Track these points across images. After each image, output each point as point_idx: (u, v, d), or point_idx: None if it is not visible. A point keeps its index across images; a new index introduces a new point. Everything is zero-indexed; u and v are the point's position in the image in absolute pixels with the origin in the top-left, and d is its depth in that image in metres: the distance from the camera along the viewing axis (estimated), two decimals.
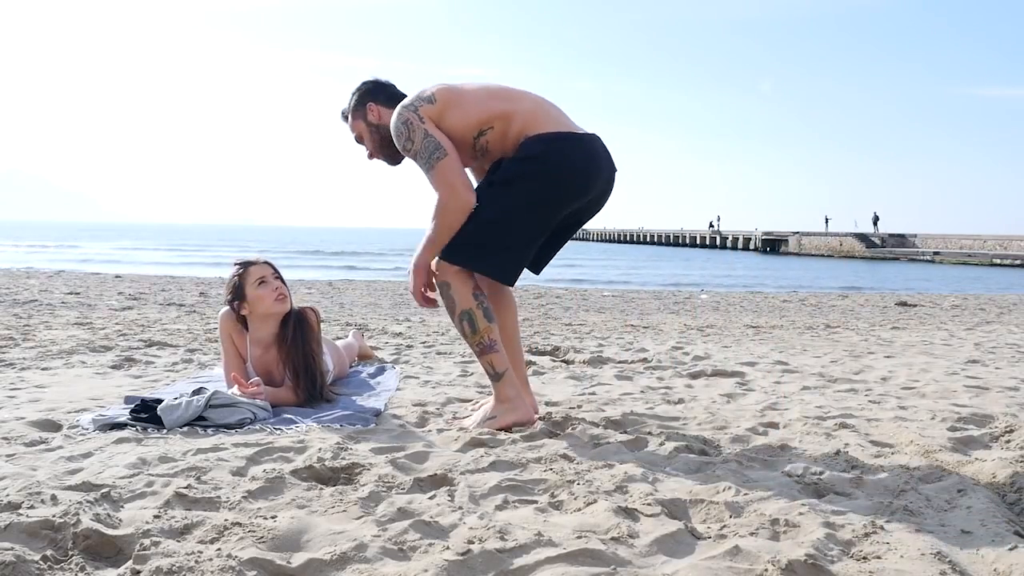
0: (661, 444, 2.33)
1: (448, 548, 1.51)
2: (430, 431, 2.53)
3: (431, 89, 2.52)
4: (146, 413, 2.53)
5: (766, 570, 1.42)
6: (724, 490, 1.86)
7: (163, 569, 1.39)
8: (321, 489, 1.88)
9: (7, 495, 1.72)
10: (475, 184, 2.60)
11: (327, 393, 3.02)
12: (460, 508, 1.75)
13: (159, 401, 2.59)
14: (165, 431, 2.45)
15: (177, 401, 2.56)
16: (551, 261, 2.77)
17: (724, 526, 1.68)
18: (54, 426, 2.52)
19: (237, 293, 3.03)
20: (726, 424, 2.66)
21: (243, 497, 1.80)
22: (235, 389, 2.82)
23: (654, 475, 2.00)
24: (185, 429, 2.48)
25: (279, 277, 3.09)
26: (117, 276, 13.22)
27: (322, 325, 3.31)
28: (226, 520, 1.62)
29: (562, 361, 4.35)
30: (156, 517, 1.63)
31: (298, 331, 3.01)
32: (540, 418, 2.64)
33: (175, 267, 19.94)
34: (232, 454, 2.17)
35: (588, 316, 7.82)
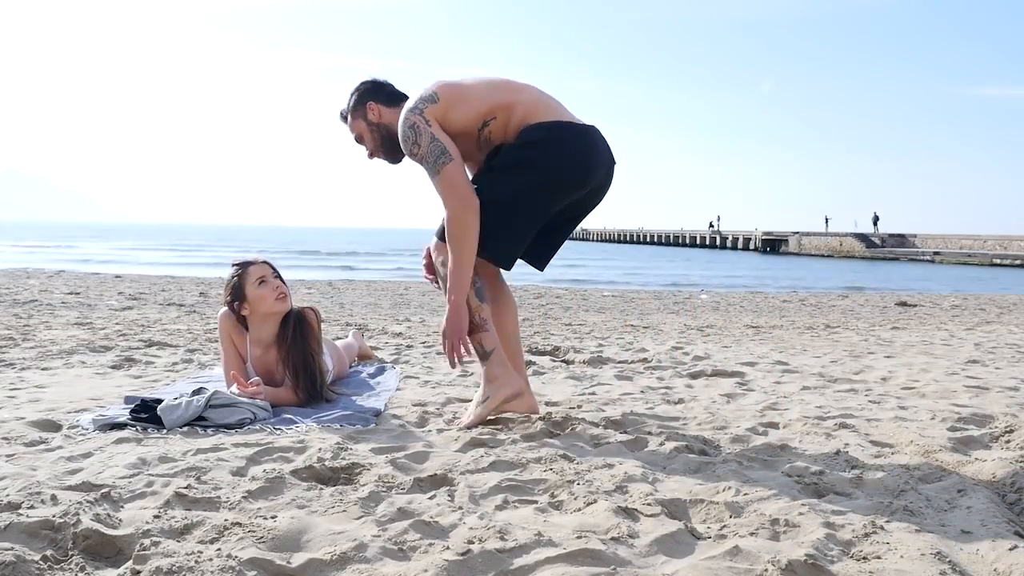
0: (661, 444, 2.33)
1: (448, 548, 1.51)
2: (430, 431, 2.53)
3: (433, 87, 2.52)
4: (146, 413, 2.53)
5: (766, 570, 1.42)
6: (724, 490, 1.86)
7: (163, 569, 1.39)
8: (321, 489, 1.88)
9: (7, 495, 1.72)
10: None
11: (327, 393, 3.01)
12: (460, 508, 1.76)
13: (159, 401, 2.59)
14: (165, 431, 2.46)
15: (177, 401, 2.56)
16: (552, 260, 2.78)
17: (724, 526, 1.68)
18: (54, 426, 2.52)
19: (237, 294, 3.03)
20: (726, 424, 2.66)
21: (243, 497, 1.81)
22: (235, 389, 2.82)
23: (654, 475, 2.00)
24: (185, 429, 2.48)
25: (278, 276, 3.09)
26: (117, 276, 13.20)
27: (322, 325, 3.31)
28: (226, 520, 1.62)
29: (562, 361, 4.35)
30: (156, 517, 1.63)
31: (298, 331, 3.01)
32: (540, 418, 2.64)
33: (175, 267, 19.92)
34: (232, 454, 2.17)
35: (588, 316, 7.82)
